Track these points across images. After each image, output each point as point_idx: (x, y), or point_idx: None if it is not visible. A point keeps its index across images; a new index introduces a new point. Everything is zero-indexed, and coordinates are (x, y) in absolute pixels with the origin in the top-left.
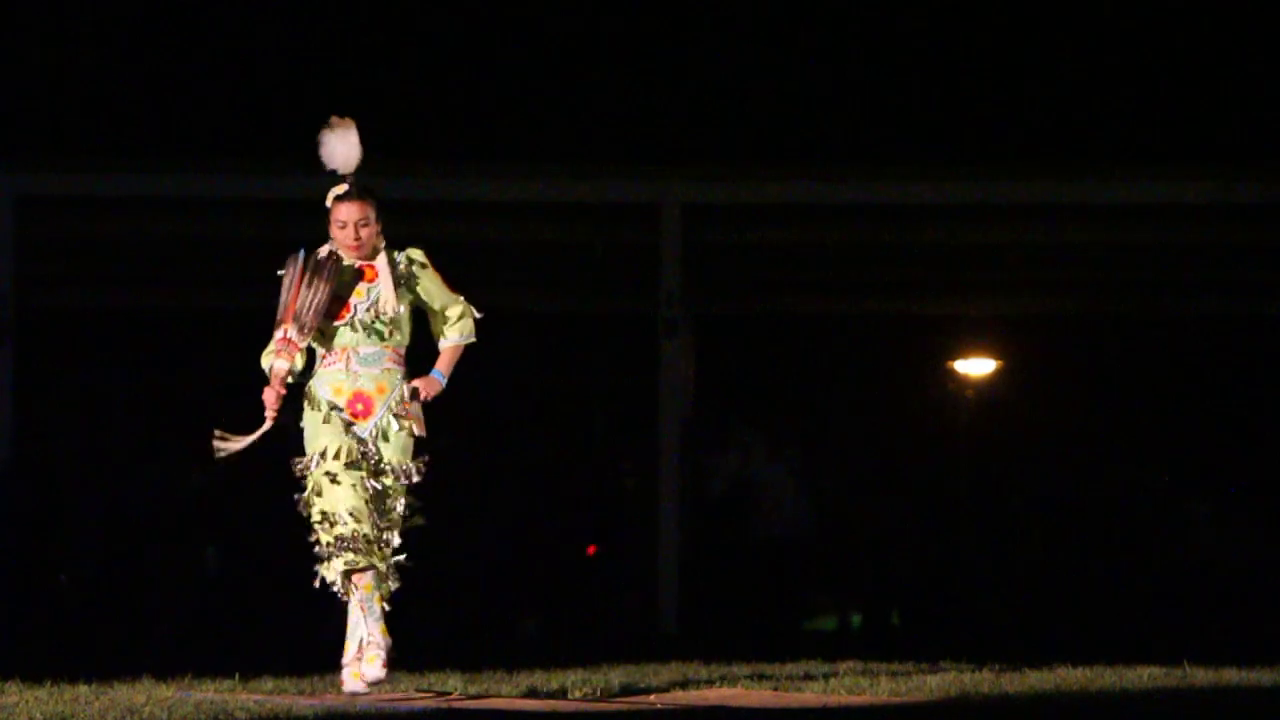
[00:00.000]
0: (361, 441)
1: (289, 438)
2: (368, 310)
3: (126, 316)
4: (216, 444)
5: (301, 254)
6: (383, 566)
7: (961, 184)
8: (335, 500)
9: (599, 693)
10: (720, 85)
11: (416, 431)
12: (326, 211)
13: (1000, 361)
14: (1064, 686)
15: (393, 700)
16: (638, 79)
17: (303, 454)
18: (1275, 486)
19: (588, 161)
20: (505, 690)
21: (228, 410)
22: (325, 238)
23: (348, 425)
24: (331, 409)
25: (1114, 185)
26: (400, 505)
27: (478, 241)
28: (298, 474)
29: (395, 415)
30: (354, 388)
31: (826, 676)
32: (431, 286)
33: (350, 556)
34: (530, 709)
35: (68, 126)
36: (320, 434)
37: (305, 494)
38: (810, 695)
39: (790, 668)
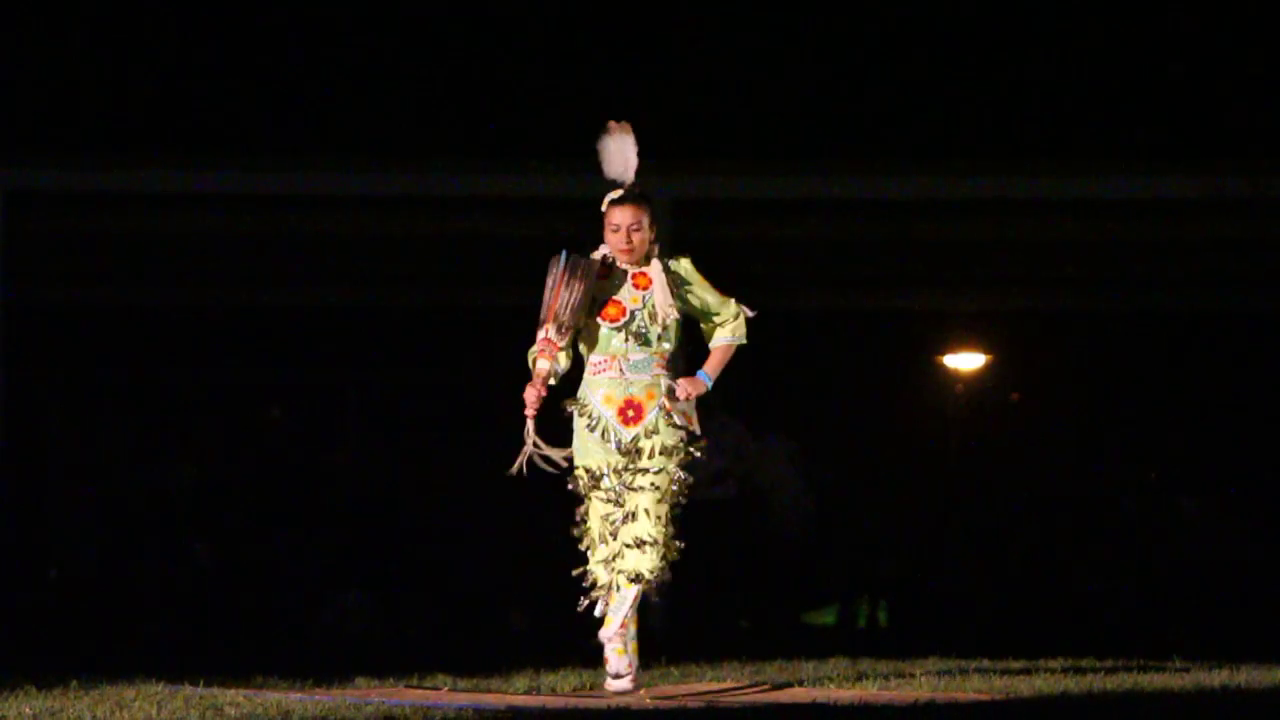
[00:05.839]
0: (631, 441)
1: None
2: (642, 318)
3: (117, 312)
4: (532, 449)
5: (564, 255)
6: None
7: (951, 179)
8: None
9: (590, 688)
10: (711, 81)
11: (679, 423)
12: (600, 214)
13: (990, 356)
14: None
15: (382, 695)
16: (627, 74)
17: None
18: (1265, 483)
19: (576, 156)
20: (495, 686)
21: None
22: (314, 232)
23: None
24: (600, 417)
25: (1103, 181)
26: (664, 506)
27: (463, 237)
28: (581, 492)
29: (664, 411)
30: (625, 395)
31: (818, 677)
32: (703, 294)
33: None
34: (520, 704)
35: (58, 121)
36: (588, 450)
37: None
38: (800, 691)
39: (781, 664)
